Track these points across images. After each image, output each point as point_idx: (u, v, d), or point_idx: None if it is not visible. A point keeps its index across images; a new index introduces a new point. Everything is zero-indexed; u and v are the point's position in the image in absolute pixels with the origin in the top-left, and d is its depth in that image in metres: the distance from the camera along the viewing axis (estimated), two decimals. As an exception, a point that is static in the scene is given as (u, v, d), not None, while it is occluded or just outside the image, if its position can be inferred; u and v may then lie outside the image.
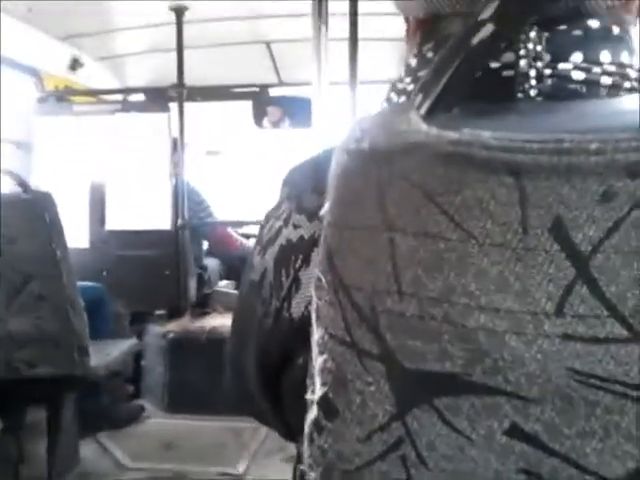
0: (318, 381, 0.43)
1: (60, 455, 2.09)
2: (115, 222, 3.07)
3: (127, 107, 3.17)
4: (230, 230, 3.56)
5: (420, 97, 0.41)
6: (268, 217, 0.58)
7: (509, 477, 0.39)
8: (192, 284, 3.16)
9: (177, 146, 3.07)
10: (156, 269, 3.01)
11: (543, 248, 0.38)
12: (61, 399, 2.11)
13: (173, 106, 3.08)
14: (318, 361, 0.43)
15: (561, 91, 0.45)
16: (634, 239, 0.38)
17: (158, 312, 3.09)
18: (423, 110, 0.40)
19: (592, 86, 0.45)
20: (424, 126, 0.39)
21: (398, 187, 0.40)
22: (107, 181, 3.09)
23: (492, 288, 0.38)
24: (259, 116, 3.39)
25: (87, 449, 2.32)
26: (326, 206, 0.43)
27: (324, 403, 0.43)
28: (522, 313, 0.38)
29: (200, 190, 3.34)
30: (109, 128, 3.09)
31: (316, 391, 0.43)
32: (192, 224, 3.13)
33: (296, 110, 3.08)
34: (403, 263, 0.40)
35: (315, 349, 0.44)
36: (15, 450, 2.10)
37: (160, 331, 2.92)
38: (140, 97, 3.52)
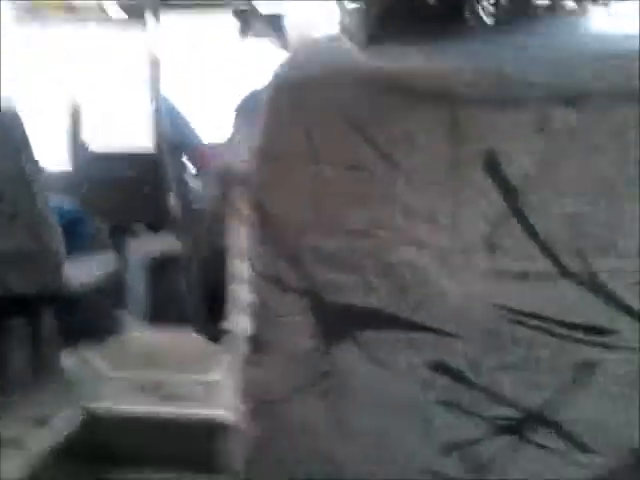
0: (245, 315, 0.43)
1: (42, 365, 2.15)
2: (95, 142, 3.00)
3: (103, 18, 3.03)
4: (210, 149, 3.51)
5: (357, 21, 0.38)
6: (223, 147, 0.57)
7: (429, 408, 0.39)
8: (171, 201, 3.15)
9: (155, 60, 2.96)
10: (136, 186, 2.99)
11: (474, 182, 0.37)
12: (40, 314, 2.15)
13: (151, 19, 2.95)
14: (245, 296, 0.43)
15: (512, 11, 0.42)
16: (568, 173, 0.36)
17: (137, 226, 3.10)
18: (360, 36, 0.38)
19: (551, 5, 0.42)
20: (357, 53, 0.37)
21: (326, 117, 0.38)
22: (85, 101, 3.00)
23: (419, 223, 0.37)
24: (243, 29, 3.28)
25: (69, 361, 2.37)
26: (255, 136, 0.41)
27: (252, 337, 0.43)
28: (449, 249, 0.37)
29: (179, 106, 3.25)
30: (85, 42, 2.96)
31: (243, 324, 0.43)
32: (172, 142, 3.07)
33: (278, 27, 2.99)
34: (328, 196, 0.38)
35: (240, 283, 0.43)
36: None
37: (140, 245, 2.93)
38: (117, 9, 3.35)
